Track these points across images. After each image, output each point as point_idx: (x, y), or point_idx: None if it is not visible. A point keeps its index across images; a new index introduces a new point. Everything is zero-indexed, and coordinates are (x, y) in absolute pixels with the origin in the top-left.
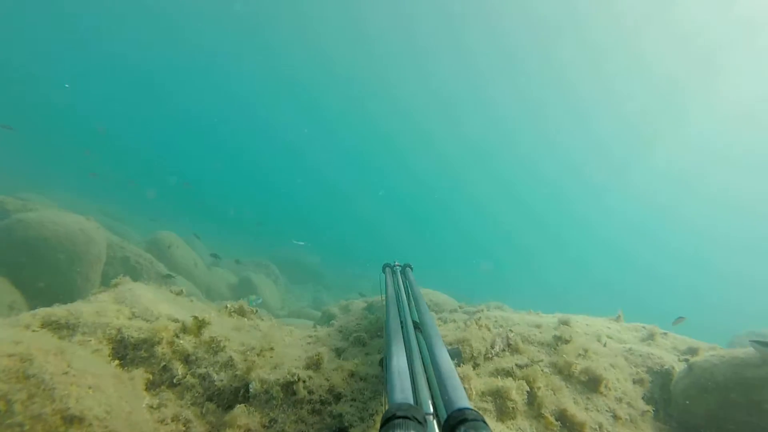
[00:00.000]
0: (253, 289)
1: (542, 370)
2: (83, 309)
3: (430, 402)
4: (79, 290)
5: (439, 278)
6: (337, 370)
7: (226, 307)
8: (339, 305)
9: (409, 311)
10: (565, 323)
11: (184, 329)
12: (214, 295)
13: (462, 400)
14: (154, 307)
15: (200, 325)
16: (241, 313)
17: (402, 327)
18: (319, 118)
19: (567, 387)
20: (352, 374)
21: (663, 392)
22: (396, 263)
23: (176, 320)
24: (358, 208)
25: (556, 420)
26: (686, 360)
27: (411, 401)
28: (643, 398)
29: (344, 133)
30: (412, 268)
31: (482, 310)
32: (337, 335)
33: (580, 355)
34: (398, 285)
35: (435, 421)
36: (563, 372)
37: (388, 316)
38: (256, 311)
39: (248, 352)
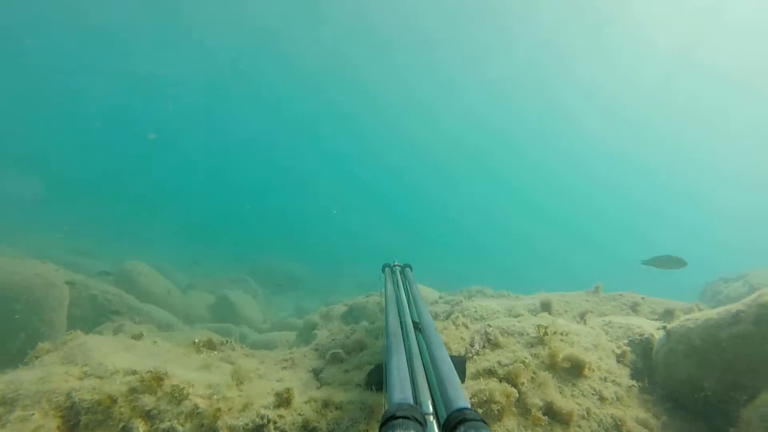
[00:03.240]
0: (231, 307)
1: (524, 365)
2: (24, 378)
3: (429, 402)
4: (47, 338)
5: (423, 266)
6: (309, 403)
7: (194, 342)
8: (320, 312)
9: (409, 311)
10: (547, 306)
11: (142, 383)
12: (194, 319)
13: (461, 400)
14: (109, 360)
15: (158, 378)
16: (210, 346)
17: (402, 327)
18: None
19: (552, 378)
20: (325, 404)
21: (645, 361)
22: (396, 263)
23: (134, 372)
24: (325, 201)
25: (544, 414)
26: (664, 327)
27: (411, 401)
28: (626, 372)
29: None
30: (411, 268)
31: (461, 302)
32: (313, 355)
33: (561, 341)
34: (398, 285)
35: (435, 421)
36: (546, 363)
37: (387, 317)
38: (227, 341)
39: (215, 396)
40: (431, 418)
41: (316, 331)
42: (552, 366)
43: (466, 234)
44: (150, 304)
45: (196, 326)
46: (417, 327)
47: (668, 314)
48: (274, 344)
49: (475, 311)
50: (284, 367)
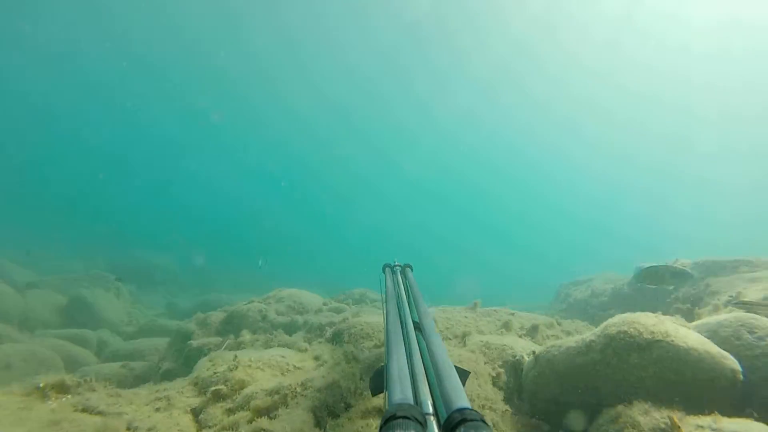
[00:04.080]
0: (88, 309)
1: None
2: None
3: (429, 402)
4: None
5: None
6: None
7: (38, 388)
8: (196, 319)
9: (409, 311)
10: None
11: None
12: (35, 325)
13: (462, 400)
14: None
15: None
16: (62, 389)
17: (402, 327)
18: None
19: None
20: None
21: (516, 380)
22: (396, 263)
23: None
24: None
25: None
26: (533, 352)
27: (411, 401)
28: (500, 396)
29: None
30: (411, 269)
31: (347, 318)
32: (191, 391)
33: None
34: (398, 285)
35: (435, 422)
36: None
37: (387, 316)
38: (86, 380)
39: None
40: (431, 418)
41: (191, 342)
42: None
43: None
44: None
45: (38, 334)
46: (417, 327)
47: (534, 330)
48: (141, 354)
49: (361, 329)
50: (157, 409)
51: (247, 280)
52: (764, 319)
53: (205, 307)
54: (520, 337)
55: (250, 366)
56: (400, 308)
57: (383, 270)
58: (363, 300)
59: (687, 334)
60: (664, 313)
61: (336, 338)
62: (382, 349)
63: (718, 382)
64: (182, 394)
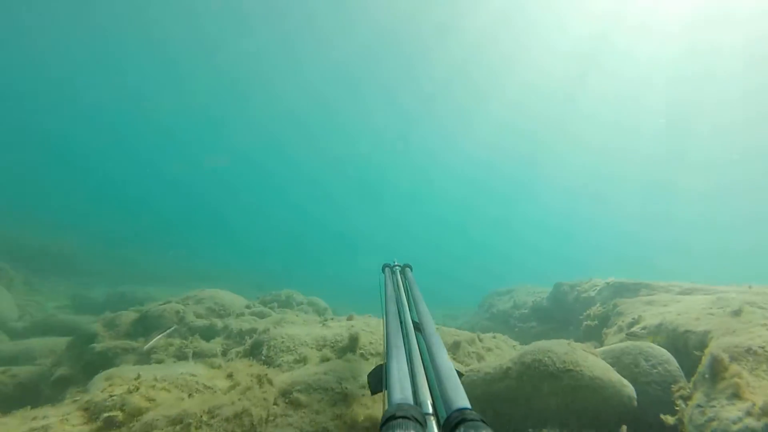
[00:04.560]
0: None
1: None
2: None
3: (429, 402)
4: None
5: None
6: None
7: None
8: (103, 319)
9: (409, 311)
10: (355, 340)
11: None
12: None
13: (462, 400)
14: None
15: None
16: None
17: (402, 327)
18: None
19: None
20: None
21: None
22: (396, 263)
23: None
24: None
25: None
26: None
27: (411, 401)
28: None
29: None
30: (411, 269)
31: (268, 330)
32: (80, 417)
33: (364, 405)
34: (398, 285)
35: (435, 422)
36: (348, 423)
37: (387, 316)
38: None
39: None
40: (431, 418)
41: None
42: None
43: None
44: None
45: None
46: (417, 327)
47: (456, 346)
48: (31, 356)
49: (282, 342)
50: None
51: (171, 271)
52: (659, 348)
53: (119, 301)
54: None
55: (154, 387)
56: (399, 308)
57: (383, 270)
58: (289, 303)
59: (594, 363)
60: (577, 328)
61: (254, 350)
62: (301, 367)
63: (617, 407)
64: (66, 422)
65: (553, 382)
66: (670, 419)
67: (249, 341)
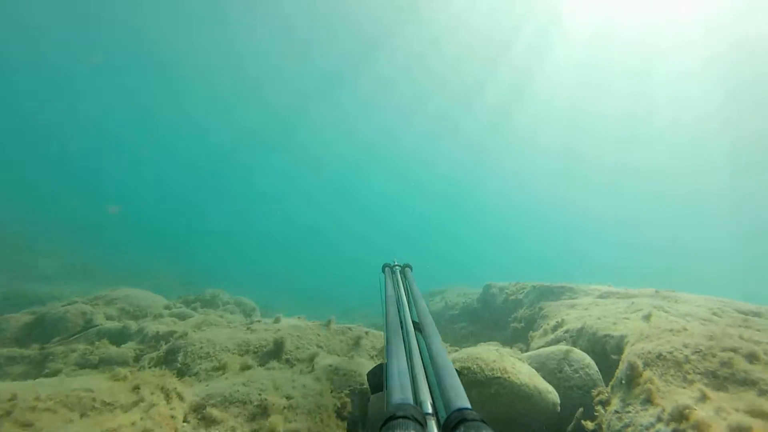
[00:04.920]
0: None
1: None
2: None
3: (429, 402)
4: None
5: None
6: None
7: None
8: None
9: (409, 311)
10: (280, 345)
11: None
12: None
13: (462, 400)
14: None
15: None
16: None
17: (402, 327)
18: None
19: None
20: None
21: (362, 410)
22: (395, 263)
23: None
24: None
25: None
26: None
27: (411, 401)
28: (343, 425)
29: None
30: (411, 269)
31: (186, 334)
32: None
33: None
34: (398, 285)
35: (434, 422)
36: None
37: (387, 316)
38: None
39: None
40: (431, 418)
41: None
42: None
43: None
44: None
45: None
46: (417, 327)
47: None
48: None
49: (201, 347)
50: None
51: (95, 266)
52: (581, 353)
53: (16, 301)
54: (371, 357)
55: (34, 408)
56: (399, 308)
57: (383, 270)
58: (214, 303)
59: (521, 370)
60: (505, 330)
61: (169, 357)
62: (221, 375)
63: (542, 414)
64: None
65: (481, 390)
66: (590, 425)
67: (164, 346)
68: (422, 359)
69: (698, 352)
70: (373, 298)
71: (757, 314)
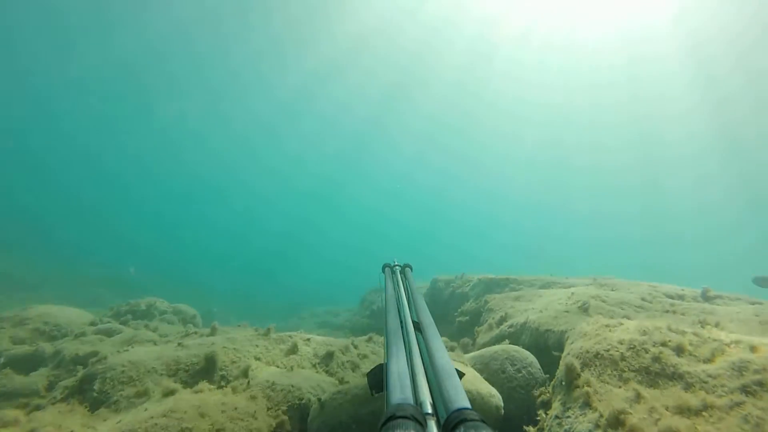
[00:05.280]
0: None
1: None
2: None
3: (429, 402)
4: None
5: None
6: None
7: None
8: None
9: (409, 311)
10: (211, 361)
11: None
12: None
13: (462, 400)
14: None
15: None
16: None
17: (402, 327)
18: None
19: None
20: None
21: (302, 425)
22: (395, 263)
23: None
24: None
25: None
26: (319, 399)
27: (411, 401)
28: None
29: None
30: (411, 269)
31: (105, 358)
32: None
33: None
34: (398, 285)
35: (434, 422)
36: None
37: (387, 316)
38: None
39: None
40: (431, 418)
41: None
42: None
43: None
44: None
45: None
46: (417, 327)
47: (329, 357)
48: None
49: (123, 371)
50: None
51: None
52: (524, 351)
53: None
54: (314, 366)
55: None
56: (399, 308)
57: (383, 270)
58: (150, 313)
59: (463, 374)
60: (452, 324)
61: (85, 386)
62: (144, 403)
63: (486, 418)
64: None
65: None
66: (532, 430)
67: (80, 373)
68: (422, 359)
69: (632, 348)
70: (325, 297)
71: (681, 297)
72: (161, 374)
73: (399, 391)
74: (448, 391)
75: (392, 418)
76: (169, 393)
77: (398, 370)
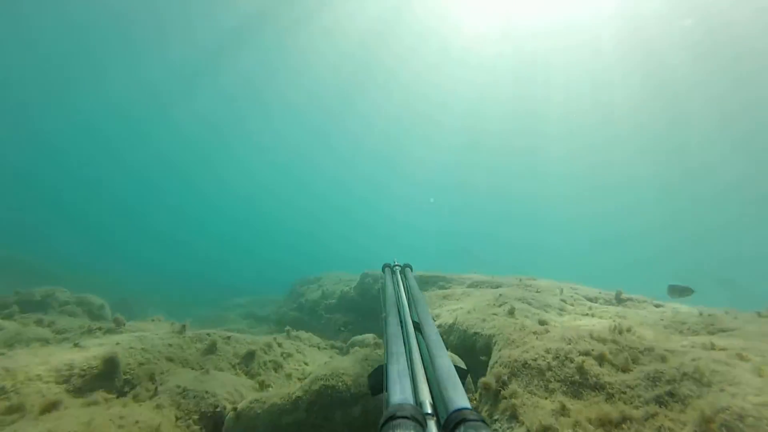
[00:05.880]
0: None
1: None
2: None
3: (429, 402)
4: None
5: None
6: None
7: None
8: None
9: (409, 311)
10: (112, 363)
11: None
12: None
13: (462, 400)
14: None
15: None
16: None
17: (402, 327)
18: None
19: None
20: None
21: None
22: (395, 263)
23: None
24: None
25: None
26: (235, 408)
27: (411, 402)
28: None
29: None
30: (411, 268)
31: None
32: None
33: None
34: (398, 285)
35: (434, 422)
36: None
37: (387, 317)
38: None
39: None
40: (431, 418)
41: None
42: None
43: None
44: None
45: None
46: (417, 327)
47: (250, 357)
48: None
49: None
50: None
51: None
52: (453, 356)
53: None
54: (233, 366)
55: None
56: (399, 308)
57: (383, 269)
58: (47, 305)
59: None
60: (381, 322)
61: None
62: (16, 422)
63: None
64: None
65: (345, 410)
66: None
67: None
68: (422, 359)
69: (558, 357)
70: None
71: (596, 299)
72: (47, 382)
73: (399, 392)
74: (448, 391)
75: (392, 418)
76: (49, 408)
77: (398, 370)
